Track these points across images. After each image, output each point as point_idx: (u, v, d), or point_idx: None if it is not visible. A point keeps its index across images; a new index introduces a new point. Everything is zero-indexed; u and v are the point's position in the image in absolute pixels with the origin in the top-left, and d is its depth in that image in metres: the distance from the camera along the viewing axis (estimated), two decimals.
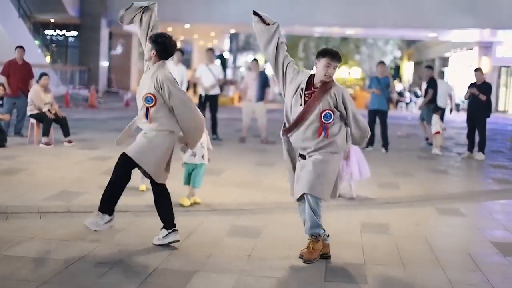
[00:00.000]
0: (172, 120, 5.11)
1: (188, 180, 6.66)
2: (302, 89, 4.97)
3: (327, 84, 4.94)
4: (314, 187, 4.91)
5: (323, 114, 4.89)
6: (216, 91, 12.93)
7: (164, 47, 5.10)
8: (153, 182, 5.21)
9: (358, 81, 47.35)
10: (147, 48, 5.15)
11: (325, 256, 5.08)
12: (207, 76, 12.73)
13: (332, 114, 4.92)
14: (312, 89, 4.97)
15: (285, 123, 5.12)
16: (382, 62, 13.09)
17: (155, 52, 5.09)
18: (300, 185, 4.99)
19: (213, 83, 12.73)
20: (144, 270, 4.59)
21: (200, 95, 12.94)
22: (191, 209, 6.61)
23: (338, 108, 4.96)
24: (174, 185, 5.84)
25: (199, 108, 12.44)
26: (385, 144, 12.52)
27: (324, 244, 5.10)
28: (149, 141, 5.08)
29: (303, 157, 5.06)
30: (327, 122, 4.90)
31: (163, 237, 5.20)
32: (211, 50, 13.49)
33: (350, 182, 7.46)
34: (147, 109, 5.03)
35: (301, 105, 4.95)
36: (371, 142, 12.58)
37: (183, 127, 5.16)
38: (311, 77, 5.02)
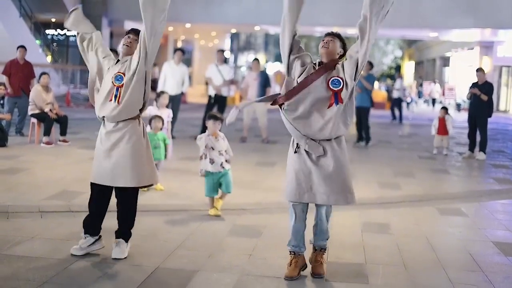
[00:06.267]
0: None
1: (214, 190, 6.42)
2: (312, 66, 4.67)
3: (332, 62, 4.64)
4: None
5: (330, 81, 4.53)
6: (226, 92, 13.02)
7: None
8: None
9: None
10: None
11: (304, 268, 4.73)
12: (216, 76, 12.89)
13: (341, 81, 4.52)
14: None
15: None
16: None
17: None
18: (337, 192, 4.52)
19: (222, 83, 12.86)
20: (145, 270, 4.58)
21: (210, 96, 13.05)
22: (190, 208, 6.61)
23: (352, 71, 4.55)
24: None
25: (207, 109, 12.75)
26: (368, 139, 13.17)
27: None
28: None
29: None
30: (336, 88, 4.50)
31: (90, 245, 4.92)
32: (221, 51, 13.61)
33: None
34: None
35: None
36: (361, 138, 13.18)
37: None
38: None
